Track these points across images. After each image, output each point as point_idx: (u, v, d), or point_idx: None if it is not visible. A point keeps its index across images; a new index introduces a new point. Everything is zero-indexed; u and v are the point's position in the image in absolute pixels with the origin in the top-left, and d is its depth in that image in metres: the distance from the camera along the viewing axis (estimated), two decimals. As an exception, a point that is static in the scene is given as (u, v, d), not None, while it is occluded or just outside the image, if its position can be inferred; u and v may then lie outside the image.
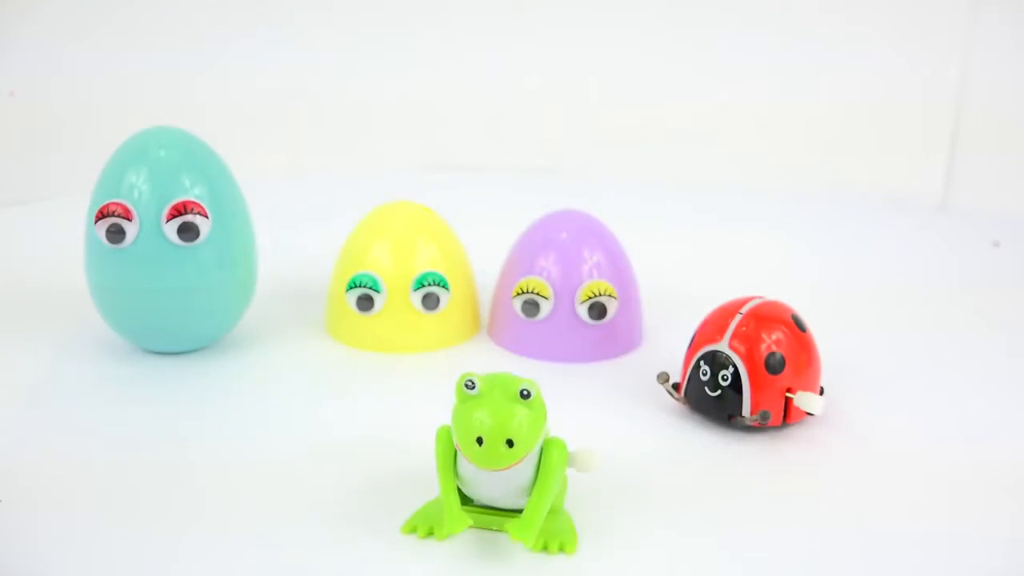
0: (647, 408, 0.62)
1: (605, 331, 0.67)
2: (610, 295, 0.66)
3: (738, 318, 0.59)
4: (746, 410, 0.58)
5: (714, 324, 0.60)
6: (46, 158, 1.00)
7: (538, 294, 0.67)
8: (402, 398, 0.63)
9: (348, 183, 1.04)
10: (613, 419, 0.61)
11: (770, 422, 0.58)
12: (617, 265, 0.68)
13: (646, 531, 0.51)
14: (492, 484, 0.48)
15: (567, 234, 0.68)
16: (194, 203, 0.62)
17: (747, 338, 0.58)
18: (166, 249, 0.62)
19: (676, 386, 0.62)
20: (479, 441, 0.46)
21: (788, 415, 0.58)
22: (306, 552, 0.49)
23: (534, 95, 1.10)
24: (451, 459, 0.49)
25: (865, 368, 0.67)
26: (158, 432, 0.59)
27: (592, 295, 0.66)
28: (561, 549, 0.49)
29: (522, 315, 0.67)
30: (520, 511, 0.49)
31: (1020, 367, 0.68)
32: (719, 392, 0.58)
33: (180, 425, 0.59)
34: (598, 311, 0.67)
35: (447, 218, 0.71)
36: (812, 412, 0.58)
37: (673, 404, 0.62)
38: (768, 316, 0.59)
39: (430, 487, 0.51)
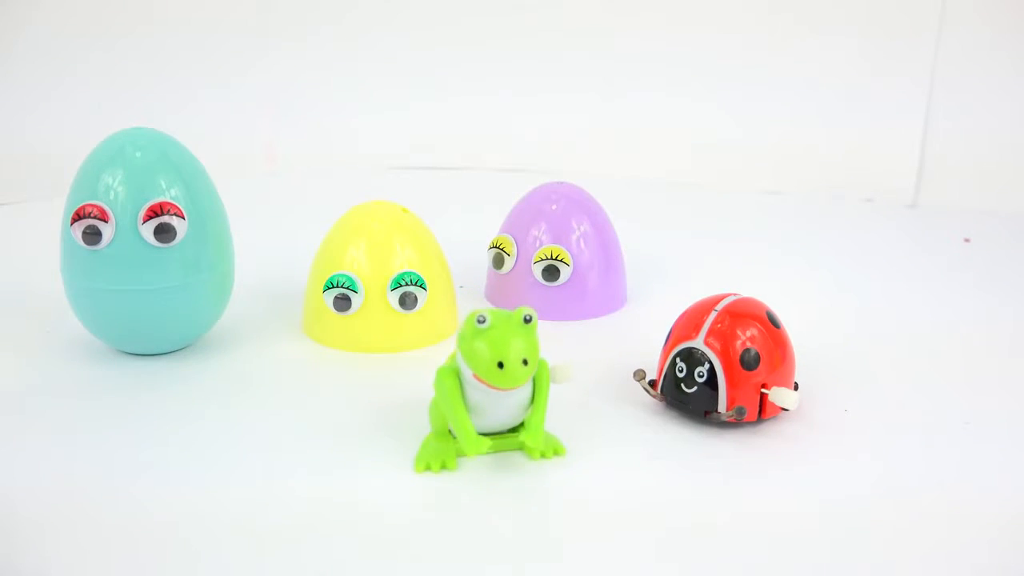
0: (623, 405, 0.62)
1: (571, 291, 0.73)
2: (563, 261, 0.71)
3: (713, 315, 0.60)
4: (722, 406, 0.58)
5: (689, 321, 0.61)
6: (21, 159, 0.99)
7: (502, 249, 0.72)
8: (380, 398, 0.63)
9: (325, 183, 1.04)
10: (589, 417, 0.61)
11: (745, 418, 0.58)
12: (604, 236, 0.74)
13: (625, 525, 0.52)
14: (502, 406, 0.54)
15: (557, 206, 0.73)
16: (171, 204, 0.62)
17: (722, 335, 0.59)
18: (143, 250, 0.62)
19: (652, 383, 0.62)
20: (500, 365, 0.52)
21: (763, 410, 0.59)
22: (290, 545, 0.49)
23: (511, 95, 1.10)
24: (460, 392, 0.54)
25: (838, 363, 0.68)
26: (136, 434, 0.59)
27: (545, 257, 0.71)
28: (556, 453, 0.57)
29: (493, 267, 0.74)
30: (513, 431, 0.56)
31: (992, 361, 0.69)
32: (695, 388, 0.59)
33: (158, 427, 0.59)
34: (551, 272, 0.71)
35: (424, 217, 0.72)
36: (787, 407, 0.58)
37: (650, 401, 0.63)
38: (743, 313, 0.60)
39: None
